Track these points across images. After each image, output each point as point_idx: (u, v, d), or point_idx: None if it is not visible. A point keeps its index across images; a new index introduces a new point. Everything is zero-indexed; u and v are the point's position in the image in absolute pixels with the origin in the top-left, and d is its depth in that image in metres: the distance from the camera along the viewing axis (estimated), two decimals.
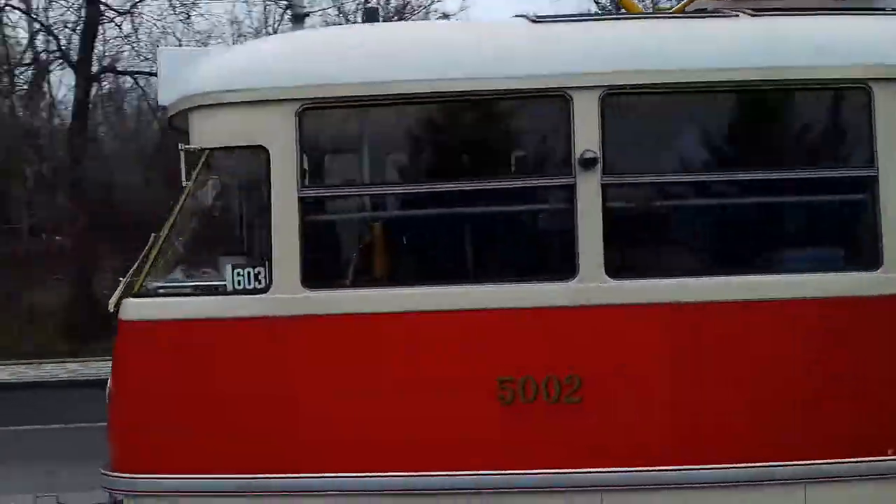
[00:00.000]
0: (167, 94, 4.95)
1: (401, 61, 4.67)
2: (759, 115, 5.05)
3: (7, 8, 22.86)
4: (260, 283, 4.56)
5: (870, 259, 4.47)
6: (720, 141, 5.05)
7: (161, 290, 4.84)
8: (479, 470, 4.42)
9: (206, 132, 4.68)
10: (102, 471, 4.78)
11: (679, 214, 5.00)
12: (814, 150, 5.03)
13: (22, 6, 23.22)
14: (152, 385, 4.68)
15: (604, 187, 4.43)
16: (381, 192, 5.08)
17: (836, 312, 4.45)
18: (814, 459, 4.38)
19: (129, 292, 4.67)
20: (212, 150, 4.67)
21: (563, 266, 4.47)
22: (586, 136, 4.42)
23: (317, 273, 4.55)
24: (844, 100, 4.83)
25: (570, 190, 4.43)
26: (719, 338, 4.48)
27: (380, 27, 6.65)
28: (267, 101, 4.55)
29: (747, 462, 4.37)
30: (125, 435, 4.80)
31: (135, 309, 4.63)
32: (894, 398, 4.45)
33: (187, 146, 4.63)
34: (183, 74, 4.80)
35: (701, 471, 4.35)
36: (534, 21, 4.95)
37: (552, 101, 4.52)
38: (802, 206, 4.89)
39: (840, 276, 4.52)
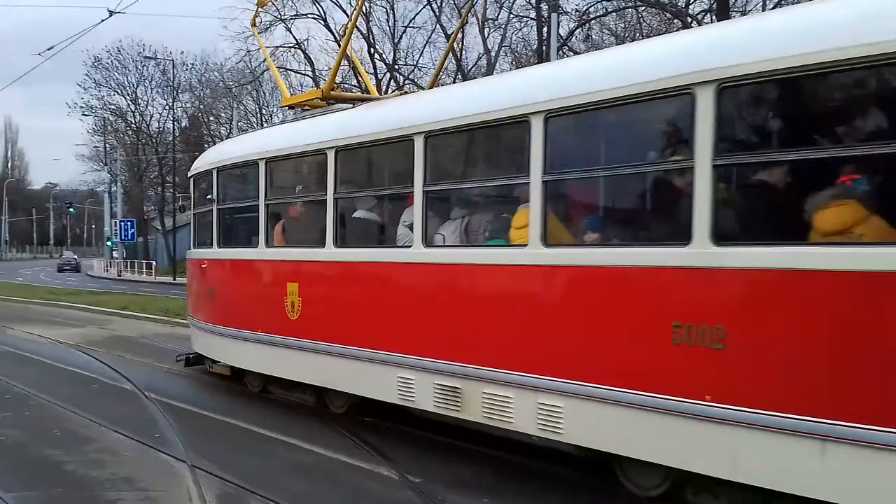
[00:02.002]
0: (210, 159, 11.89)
1: (239, 150, 11.17)
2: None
3: None
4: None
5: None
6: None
7: (196, 247, 12.27)
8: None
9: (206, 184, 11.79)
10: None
11: (244, 223, 10.85)
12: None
13: None
14: (190, 282, 13.00)
15: (218, 211, 11.12)
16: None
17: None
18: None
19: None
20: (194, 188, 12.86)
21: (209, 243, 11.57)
22: (216, 190, 11.15)
23: (224, 241, 11.38)
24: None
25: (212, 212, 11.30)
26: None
27: (243, 136, 13.78)
28: (224, 166, 11.23)
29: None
30: (189, 301, 13.07)
31: (188, 254, 12.76)
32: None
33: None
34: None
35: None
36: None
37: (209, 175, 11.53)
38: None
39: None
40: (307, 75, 46.97)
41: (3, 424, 9.22)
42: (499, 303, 6.94)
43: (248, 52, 43.24)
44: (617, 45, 36.60)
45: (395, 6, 42.15)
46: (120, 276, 56.26)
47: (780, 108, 5.53)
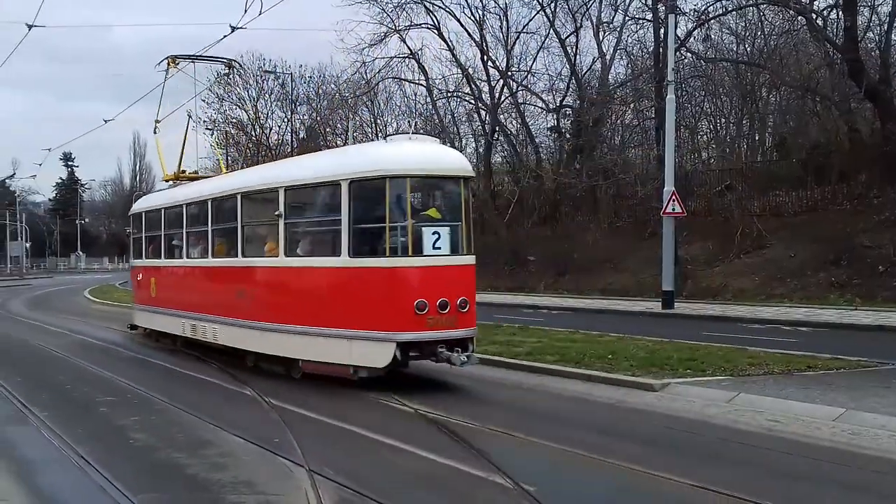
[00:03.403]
0: (133, 208, 21.41)
1: (150, 203, 20.14)
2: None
3: None
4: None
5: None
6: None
7: (135, 260, 21.03)
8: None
9: (130, 222, 21.46)
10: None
11: (142, 245, 19.85)
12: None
13: None
14: (133, 282, 21.19)
15: (133, 238, 20.90)
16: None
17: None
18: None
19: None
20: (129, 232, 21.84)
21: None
22: (132, 226, 21.05)
23: (136, 255, 20.73)
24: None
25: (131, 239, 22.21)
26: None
27: (157, 193, 23.27)
28: (134, 213, 20.80)
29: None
30: (133, 294, 21.33)
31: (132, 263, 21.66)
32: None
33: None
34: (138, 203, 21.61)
35: None
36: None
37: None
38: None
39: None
40: (421, 84, 47.38)
41: (131, 428, 9.54)
42: (202, 284, 15.77)
43: (364, 63, 43.89)
44: (737, 44, 35.57)
45: (508, 13, 42.05)
46: None
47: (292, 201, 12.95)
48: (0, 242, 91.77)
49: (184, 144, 20.22)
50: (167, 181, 20.28)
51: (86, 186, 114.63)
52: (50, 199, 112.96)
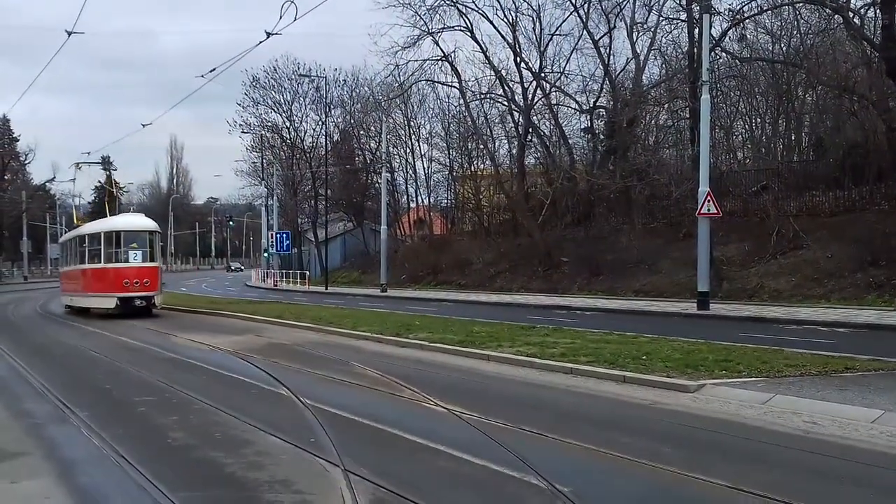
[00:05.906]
0: (60, 240, 48.25)
1: (65, 237, 40.79)
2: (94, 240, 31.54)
3: None
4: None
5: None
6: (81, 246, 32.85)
7: (63, 264, 39.67)
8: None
9: (59, 248, 47.66)
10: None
11: (65, 259, 38.11)
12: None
13: None
14: (61, 280, 38.97)
15: (61, 255, 43.57)
16: (63, 254, 39.15)
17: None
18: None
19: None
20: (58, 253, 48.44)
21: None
22: (59, 247, 48.36)
23: (60, 265, 41.77)
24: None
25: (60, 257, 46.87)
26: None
27: (71, 231, 39.74)
28: (59, 242, 47.22)
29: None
30: (61, 286, 39.05)
31: (60, 269, 44.13)
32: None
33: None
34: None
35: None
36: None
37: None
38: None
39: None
40: (454, 87, 47.44)
41: (170, 428, 9.67)
42: (73, 278, 32.60)
43: (397, 66, 44.06)
44: (773, 43, 35.23)
45: (541, 14, 41.99)
46: (276, 286, 58.46)
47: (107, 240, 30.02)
48: (40, 245, 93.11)
49: (77, 209, 38.63)
50: (75, 225, 36.78)
51: (123, 190, 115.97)
52: (89, 203, 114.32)
